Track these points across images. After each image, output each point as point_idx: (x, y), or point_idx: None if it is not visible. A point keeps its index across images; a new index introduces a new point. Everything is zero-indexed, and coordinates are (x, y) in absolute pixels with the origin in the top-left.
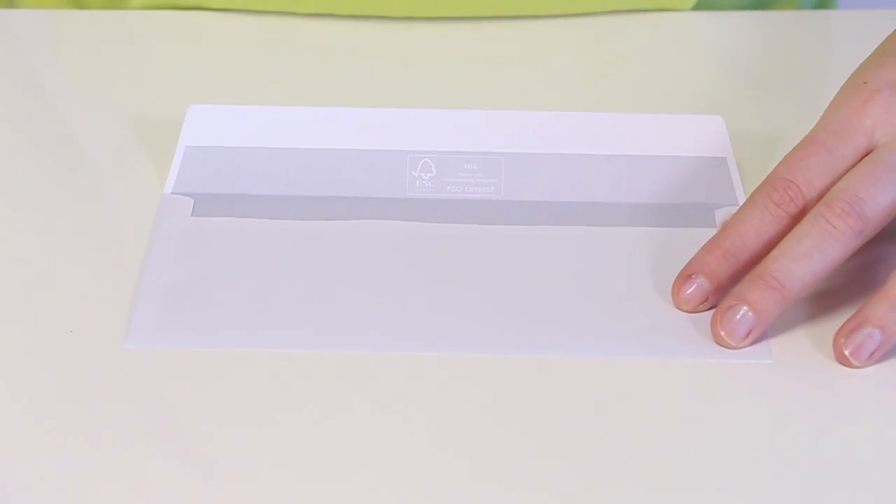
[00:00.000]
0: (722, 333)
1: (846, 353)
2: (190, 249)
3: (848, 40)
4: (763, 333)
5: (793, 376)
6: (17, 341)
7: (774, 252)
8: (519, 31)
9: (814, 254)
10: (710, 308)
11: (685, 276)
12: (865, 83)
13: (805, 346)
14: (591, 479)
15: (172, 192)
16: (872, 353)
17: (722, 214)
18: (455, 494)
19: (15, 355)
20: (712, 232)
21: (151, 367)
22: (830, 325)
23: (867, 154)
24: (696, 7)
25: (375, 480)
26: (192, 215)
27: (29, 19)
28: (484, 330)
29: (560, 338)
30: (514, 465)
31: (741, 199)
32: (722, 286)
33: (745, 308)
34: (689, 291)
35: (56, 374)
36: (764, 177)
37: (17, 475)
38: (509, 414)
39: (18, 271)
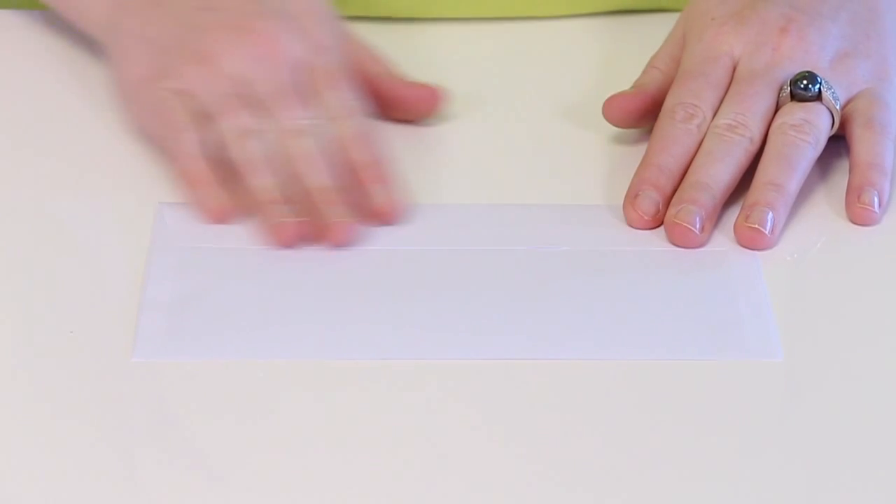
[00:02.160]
0: (686, 225)
1: (753, 226)
2: (193, 260)
3: None
4: (711, 225)
5: (803, 374)
6: (21, 355)
7: (692, 167)
8: (520, 32)
9: (725, 158)
10: (659, 224)
11: (633, 196)
12: (713, 19)
13: (815, 343)
14: (600, 480)
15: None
16: (773, 228)
17: None
18: (459, 496)
19: (20, 368)
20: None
21: (159, 378)
22: (840, 323)
23: (734, 69)
24: None
25: (387, 487)
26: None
27: (27, 20)
28: (486, 334)
29: (568, 341)
30: (519, 466)
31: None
32: (667, 197)
33: (690, 206)
34: (641, 205)
35: (63, 388)
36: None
37: (29, 489)
38: (514, 416)
39: (22, 283)
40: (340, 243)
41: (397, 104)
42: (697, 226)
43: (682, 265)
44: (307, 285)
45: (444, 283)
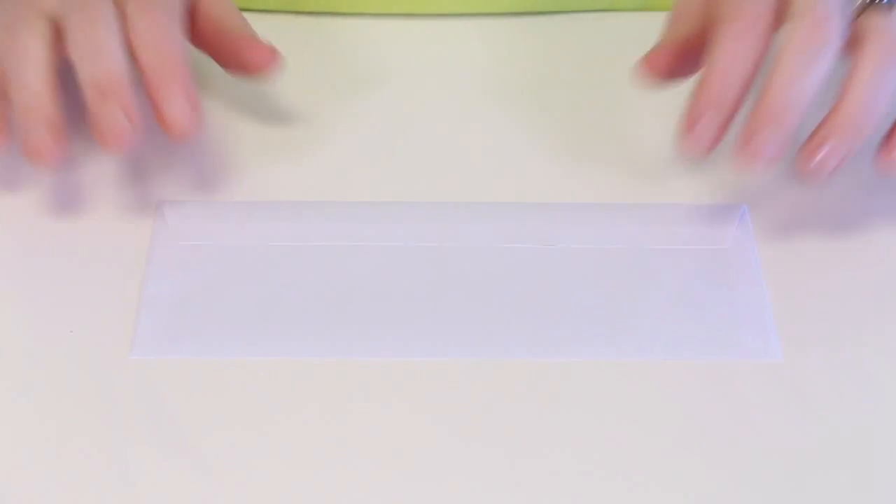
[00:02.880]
0: (758, 163)
1: (811, 167)
2: (192, 258)
3: None
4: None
5: (803, 374)
6: (20, 352)
7: (773, 75)
8: (518, 28)
9: (813, 64)
10: (714, 146)
11: (692, 117)
12: None
13: (815, 343)
14: (599, 479)
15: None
16: (835, 166)
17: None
18: (460, 496)
19: (18, 365)
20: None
21: (157, 376)
22: (841, 322)
23: None
24: None
25: (388, 487)
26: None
27: None
28: (488, 333)
29: (566, 341)
30: (515, 465)
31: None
32: (732, 114)
33: (767, 135)
34: (700, 125)
35: (61, 385)
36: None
37: (26, 486)
38: (511, 415)
39: (20, 280)
40: (111, 147)
41: (232, 56)
42: (770, 158)
43: (680, 264)
44: (307, 283)
45: (443, 282)
